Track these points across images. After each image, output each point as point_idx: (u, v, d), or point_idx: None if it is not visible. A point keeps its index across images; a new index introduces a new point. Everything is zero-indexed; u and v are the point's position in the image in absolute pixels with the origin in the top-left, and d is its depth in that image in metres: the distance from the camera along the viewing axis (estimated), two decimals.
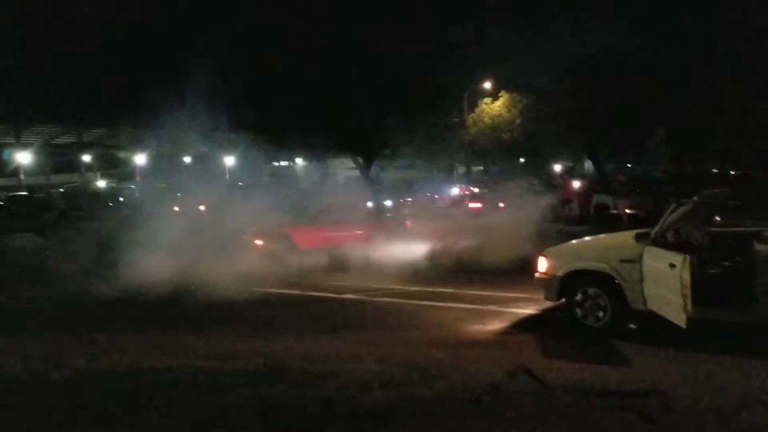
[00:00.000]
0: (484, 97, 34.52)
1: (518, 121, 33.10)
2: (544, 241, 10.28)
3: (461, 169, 37.41)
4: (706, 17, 25.27)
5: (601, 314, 7.49)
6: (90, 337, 7.57)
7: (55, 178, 47.95)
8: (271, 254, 12.90)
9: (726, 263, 7.18)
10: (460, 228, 14.87)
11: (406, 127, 29.63)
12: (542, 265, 8.10)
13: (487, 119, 33.81)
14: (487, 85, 34.52)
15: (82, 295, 10.50)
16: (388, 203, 18.32)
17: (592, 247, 8.36)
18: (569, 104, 28.63)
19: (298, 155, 31.61)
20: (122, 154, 46.21)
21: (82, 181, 44.99)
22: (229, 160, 33.50)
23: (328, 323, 8.46)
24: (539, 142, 32.42)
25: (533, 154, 35.69)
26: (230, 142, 31.53)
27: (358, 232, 13.97)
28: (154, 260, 11.20)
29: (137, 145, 39.09)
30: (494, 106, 33.93)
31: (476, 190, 27.65)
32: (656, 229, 7.29)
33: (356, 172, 33.09)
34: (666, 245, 6.84)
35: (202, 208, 15.54)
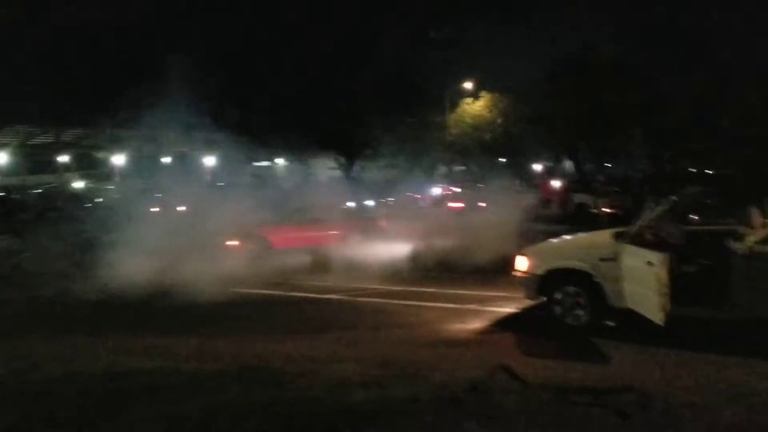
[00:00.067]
0: (465, 97, 34.65)
1: (499, 121, 33.27)
2: (524, 240, 10.32)
3: (443, 169, 37.48)
4: (682, 19, 25.61)
5: (580, 312, 7.54)
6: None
7: (33, 179, 47.28)
8: (247, 255, 12.81)
9: (702, 261, 7.27)
10: (441, 228, 14.88)
11: (386, 126, 29.66)
12: (522, 263, 8.15)
13: (468, 119, 33.93)
14: (468, 85, 34.65)
15: (59, 296, 10.35)
16: (370, 203, 18.27)
17: (571, 246, 8.42)
18: (549, 105, 28.86)
19: (279, 155, 31.52)
20: (101, 155, 45.67)
21: (60, 182, 44.40)
22: (209, 160, 33.27)
23: (308, 324, 8.43)
24: (520, 142, 32.63)
25: (514, 154, 35.88)
26: (210, 142, 31.32)
27: (335, 232, 13.93)
28: (130, 261, 11.07)
29: (116, 145, 38.67)
30: (475, 107, 34.07)
31: (457, 189, 27.71)
32: (634, 227, 7.37)
33: (338, 172, 33.05)
34: (644, 244, 6.91)
35: (180, 208, 15.39)
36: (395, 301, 9.58)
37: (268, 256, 13.06)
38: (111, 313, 9.24)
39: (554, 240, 9.02)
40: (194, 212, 14.33)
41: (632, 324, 6.95)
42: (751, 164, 20.98)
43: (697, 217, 8.47)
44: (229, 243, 13.20)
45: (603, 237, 7.85)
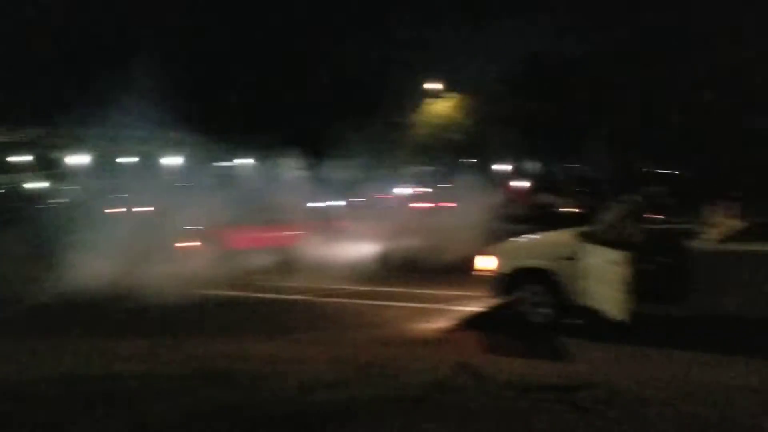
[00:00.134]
0: (431, 97, 34.82)
1: (466, 121, 33.53)
2: (491, 239, 10.40)
3: (411, 169, 37.60)
4: (647, 21, 26.12)
5: (545, 311, 7.64)
6: None
7: None
8: (208, 256, 12.60)
9: (662, 259, 7.41)
10: (408, 227, 14.89)
11: (353, 126, 29.63)
12: (489, 262, 8.20)
13: (434, 119, 34.12)
14: (435, 85, 34.82)
15: (13, 300, 10.02)
16: (337, 203, 18.17)
17: (535, 245, 8.51)
18: (515, 105, 29.21)
19: (244, 155, 31.21)
20: (59, 155, 44.51)
21: (15, 183, 43.11)
22: (175, 160, 32.73)
23: (273, 325, 8.35)
24: (486, 143, 32.90)
25: (480, 154, 36.18)
26: (175, 141, 30.81)
27: (297, 232, 13.81)
28: (85, 264, 10.79)
29: (75, 145, 37.77)
30: (441, 107, 34.28)
31: (425, 189, 27.78)
32: (596, 227, 7.49)
33: (305, 172, 32.82)
34: (606, 242, 7.03)
35: (141, 209, 15.07)
36: (361, 301, 9.56)
37: (229, 256, 12.86)
38: (66, 317, 8.97)
39: (519, 239, 9.10)
40: (156, 213, 14.07)
41: (596, 322, 7.04)
42: (707, 164, 21.53)
43: (656, 216, 8.65)
44: (189, 244, 12.97)
45: (566, 236, 7.95)
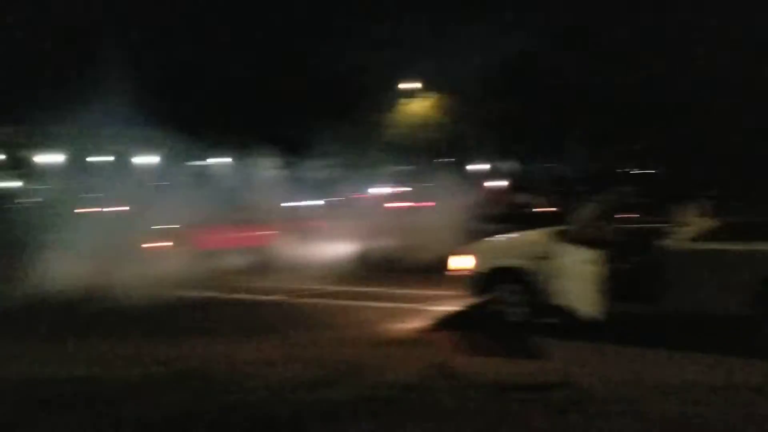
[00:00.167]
0: (408, 96, 34.87)
1: (443, 121, 33.62)
2: (466, 239, 10.40)
3: (389, 169, 37.60)
4: (618, 22, 26.39)
5: (521, 310, 7.63)
6: None
7: None
8: (181, 256, 12.46)
9: (635, 258, 7.47)
10: (385, 227, 14.87)
11: (330, 126, 29.56)
12: (464, 262, 8.20)
13: (411, 119, 34.17)
14: (412, 85, 34.86)
15: None
16: (314, 202, 18.09)
17: (511, 245, 8.53)
18: (491, 105, 29.35)
19: (221, 154, 30.97)
20: (31, 153, 43.71)
21: None
22: (149, 159, 32.36)
23: (247, 326, 8.27)
24: (464, 142, 33.01)
25: (458, 153, 36.31)
26: (147, 140, 30.45)
27: (271, 232, 13.71)
28: (57, 264, 10.60)
29: (48, 144, 37.15)
30: (419, 106, 34.33)
31: (402, 189, 27.77)
32: (571, 226, 7.52)
33: (283, 171, 32.64)
34: (580, 242, 7.06)
35: (113, 209, 14.86)
36: (336, 302, 9.51)
37: (203, 257, 12.72)
38: (37, 317, 8.76)
39: (495, 239, 9.11)
40: (130, 212, 13.90)
41: (571, 321, 7.06)
42: (679, 164, 21.82)
43: (630, 216, 8.71)
44: (161, 244, 12.80)
45: (542, 236, 7.97)
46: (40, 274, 10.34)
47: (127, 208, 14.07)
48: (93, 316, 8.86)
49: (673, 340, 6.61)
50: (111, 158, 31.79)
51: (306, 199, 16.98)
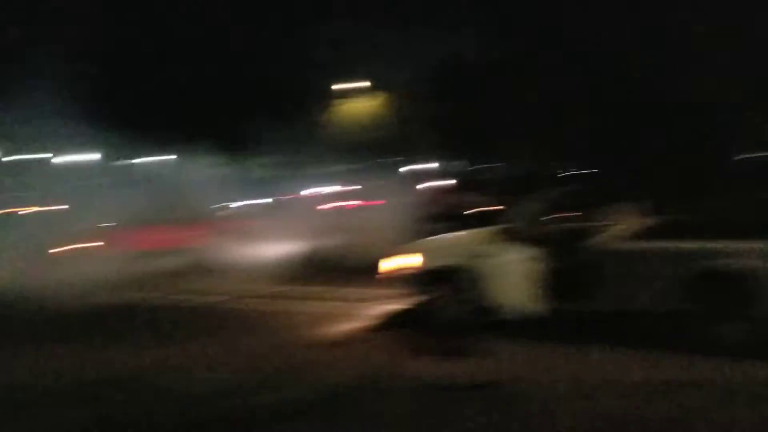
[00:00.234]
0: (354, 95, 34.77)
1: (390, 120, 33.65)
2: (410, 238, 10.32)
3: (333, 167, 37.40)
4: (560, 21, 26.88)
5: (462, 309, 7.59)
6: None
7: None
8: (109, 257, 11.99)
9: (573, 257, 7.52)
10: (328, 226, 14.69)
11: (273, 125, 29.18)
12: (409, 260, 8.12)
13: (357, 118, 34.07)
14: (357, 84, 34.78)
15: None
16: (255, 201, 17.78)
17: (453, 244, 8.49)
18: (437, 105, 29.51)
19: (160, 152, 30.19)
20: None
21: None
22: (80, 157, 31.25)
23: (175, 330, 8.02)
24: (410, 142, 33.11)
25: (404, 152, 36.40)
26: (82, 139, 29.42)
27: (207, 232, 13.35)
28: None
29: None
30: (364, 105, 34.26)
31: (345, 188, 27.63)
32: (514, 225, 7.52)
33: (222, 170, 32.04)
34: (521, 240, 7.07)
35: (22, 212, 14.23)
36: (275, 303, 9.32)
37: (134, 258, 12.26)
38: None
39: (437, 237, 9.06)
40: (53, 214, 13.32)
41: (513, 319, 7.06)
42: (622, 163, 22.36)
43: (571, 214, 8.79)
44: (86, 245, 12.29)
45: (484, 234, 7.96)
46: None
47: (56, 208, 13.47)
48: (13, 321, 8.41)
49: (613, 338, 6.67)
50: (43, 156, 30.53)
51: (249, 198, 16.67)
